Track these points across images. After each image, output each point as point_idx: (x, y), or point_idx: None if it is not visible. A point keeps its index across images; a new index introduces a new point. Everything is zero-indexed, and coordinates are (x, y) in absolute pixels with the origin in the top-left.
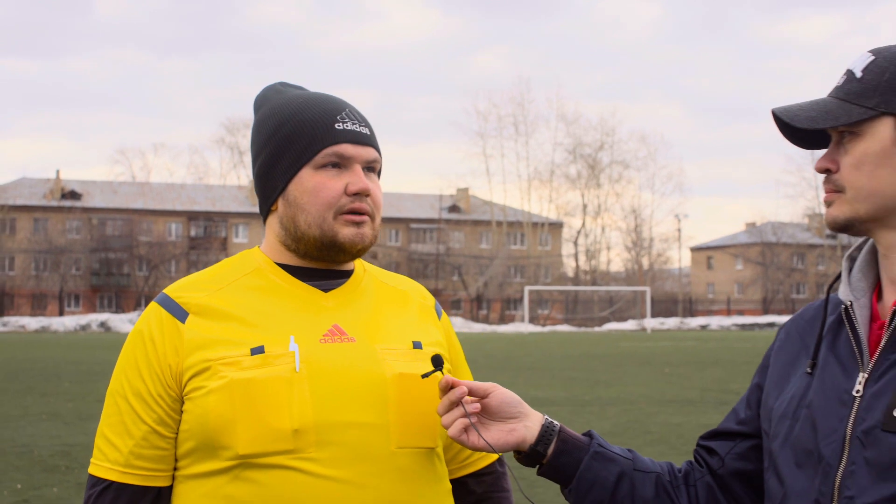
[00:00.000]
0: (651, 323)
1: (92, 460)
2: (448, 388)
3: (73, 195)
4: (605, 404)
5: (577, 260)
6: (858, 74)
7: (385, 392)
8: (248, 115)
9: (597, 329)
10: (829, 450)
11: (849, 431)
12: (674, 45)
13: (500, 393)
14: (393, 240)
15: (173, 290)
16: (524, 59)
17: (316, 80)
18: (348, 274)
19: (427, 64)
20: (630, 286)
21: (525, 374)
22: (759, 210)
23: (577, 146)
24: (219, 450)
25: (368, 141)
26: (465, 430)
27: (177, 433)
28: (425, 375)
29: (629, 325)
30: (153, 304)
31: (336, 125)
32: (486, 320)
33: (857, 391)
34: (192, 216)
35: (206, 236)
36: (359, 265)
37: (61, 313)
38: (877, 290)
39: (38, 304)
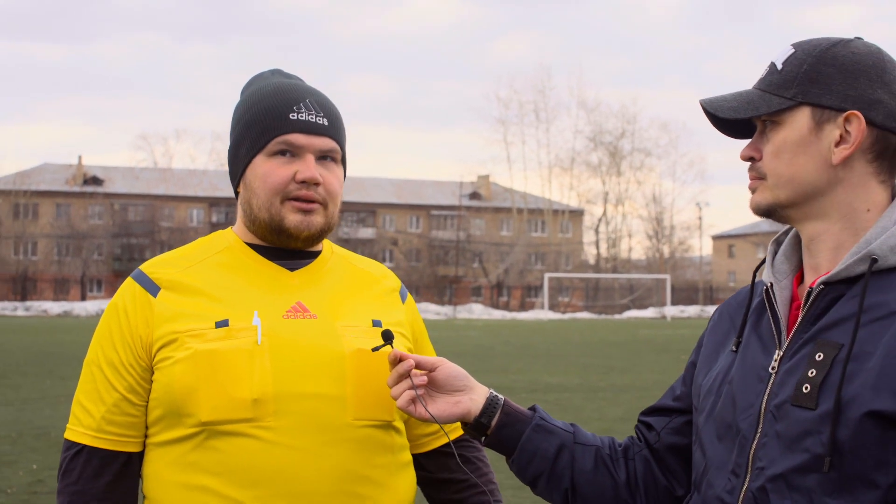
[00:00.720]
0: (671, 311)
1: (67, 426)
2: (397, 361)
3: (96, 181)
4: (619, 391)
5: (597, 247)
6: (779, 66)
7: (343, 366)
8: None
9: (617, 316)
10: (746, 423)
11: (763, 406)
12: (695, 32)
13: (447, 367)
14: (413, 226)
15: (148, 266)
16: (545, 45)
17: (338, 66)
18: (315, 255)
19: (448, 50)
20: (651, 274)
21: (541, 360)
22: None
23: (597, 134)
24: (183, 417)
25: (323, 131)
26: (413, 401)
27: (147, 401)
28: (376, 349)
29: (649, 312)
30: (128, 279)
31: (290, 115)
32: (506, 307)
33: (773, 368)
34: (213, 202)
35: (227, 222)
36: (327, 246)
37: (83, 298)
38: (799, 274)
39: (60, 289)
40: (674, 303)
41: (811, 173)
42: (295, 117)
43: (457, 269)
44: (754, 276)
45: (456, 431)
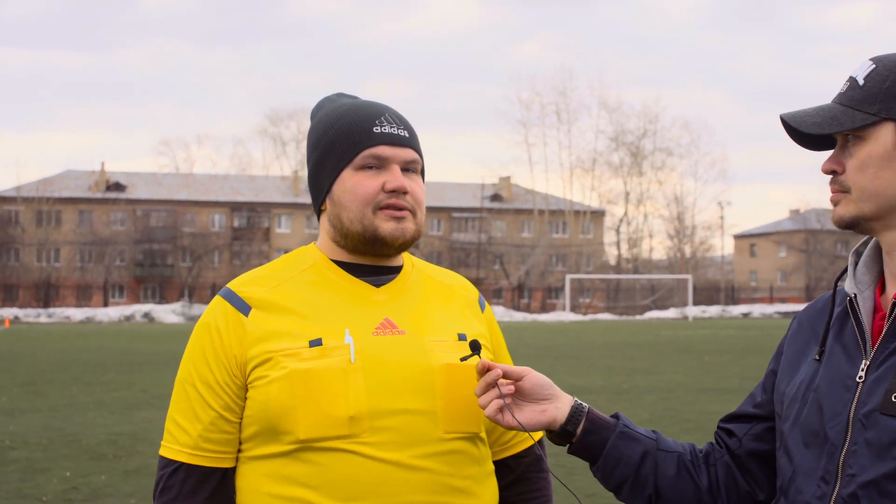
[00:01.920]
0: (693, 311)
1: (162, 443)
2: (485, 371)
3: (118, 187)
4: (643, 392)
5: (619, 248)
6: (861, 82)
7: (433, 381)
8: (291, 106)
9: (638, 317)
10: (835, 431)
11: (852, 414)
12: (715, 31)
13: (533, 376)
14: (435, 229)
15: (236, 285)
16: (565, 47)
17: (358, 70)
18: (398, 269)
19: (468, 52)
20: (672, 274)
21: (564, 362)
22: (802, 197)
23: (619, 134)
24: (280, 434)
25: (406, 143)
26: (500, 410)
27: (241, 418)
28: (464, 359)
29: (671, 313)
30: (218, 298)
31: (374, 129)
32: (527, 309)
33: (860, 377)
34: (235, 207)
35: (249, 227)
36: (407, 261)
37: (106, 304)
38: (880, 284)
39: (83, 296)
40: (695, 303)
41: (895, 187)
42: (379, 130)
43: (478, 271)
44: (835, 286)
45: (525, 443)
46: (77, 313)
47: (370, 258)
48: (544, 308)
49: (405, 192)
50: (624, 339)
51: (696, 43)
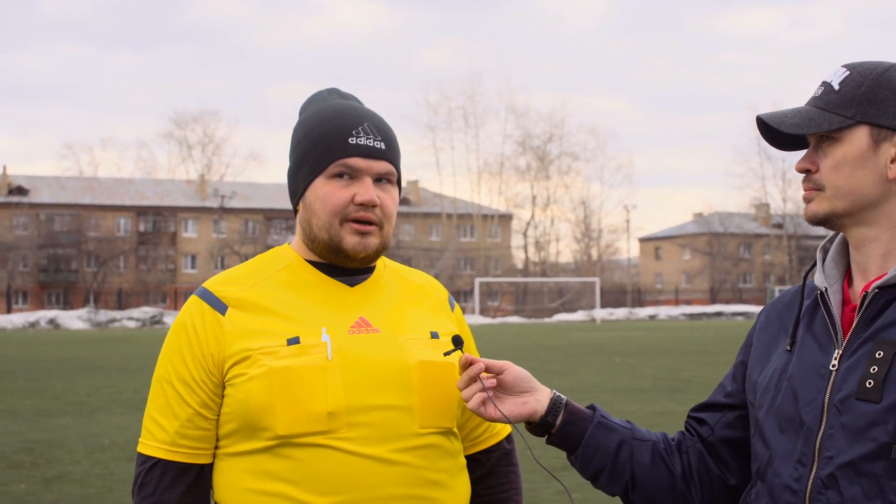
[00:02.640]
0: (601, 313)
1: (140, 440)
2: (467, 364)
3: (20, 191)
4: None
5: (526, 251)
6: (836, 87)
7: (409, 378)
8: (196, 109)
9: (547, 320)
10: (810, 416)
11: (826, 400)
12: (619, 39)
13: (514, 370)
14: None
15: (212, 284)
16: (472, 52)
17: (263, 73)
18: (371, 270)
19: (374, 57)
20: (579, 277)
21: None
22: (707, 200)
23: (526, 138)
24: (259, 430)
25: (380, 155)
26: (483, 402)
27: (218, 416)
28: (447, 353)
29: (579, 315)
30: (194, 298)
31: (350, 139)
32: None
33: (833, 365)
34: (140, 211)
35: (155, 231)
36: (380, 261)
37: (9, 311)
38: (847, 278)
39: None
40: (603, 305)
41: (868, 187)
42: (354, 142)
43: None
44: (804, 280)
45: (494, 438)
46: None
47: (339, 264)
48: None
49: (374, 206)
50: (535, 342)
51: (602, 49)
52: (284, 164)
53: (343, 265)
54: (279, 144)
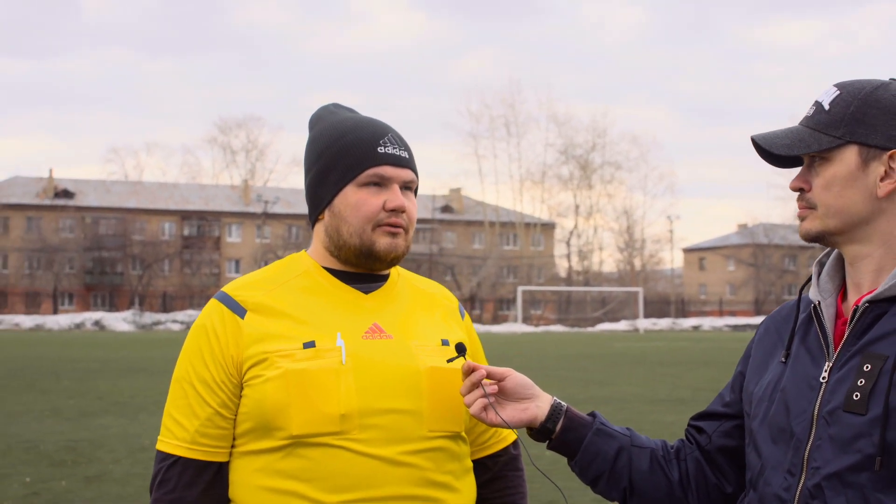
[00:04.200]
0: (643, 323)
1: (160, 438)
2: (470, 371)
3: (67, 194)
4: (599, 403)
5: (569, 260)
6: (826, 107)
7: (419, 383)
8: (240, 115)
9: (589, 329)
10: (800, 428)
11: (816, 412)
12: (659, 48)
13: (515, 376)
14: None
15: (232, 289)
16: (512, 61)
17: (306, 82)
18: (385, 278)
19: (415, 66)
20: (622, 287)
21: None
22: (750, 211)
23: (568, 147)
24: (274, 430)
25: (407, 164)
26: (485, 408)
27: (235, 415)
28: (450, 360)
29: (622, 325)
30: (214, 301)
31: (379, 148)
32: (479, 321)
33: (824, 378)
34: (185, 215)
35: (199, 235)
36: (393, 270)
37: (55, 312)
38: (842, 292)
39: (32, 303)
40: (646, 315)
41: (858, 205)
42: (383, 151)
43: None
44: (800, 293)
45: (501, 443)
46: (26, 320)
47: (360, 269)
48: (496, 320)
49: (403, 211)
50: (577, 351)
51: (642, 59)
52: None
53: (371, 268)
54: None
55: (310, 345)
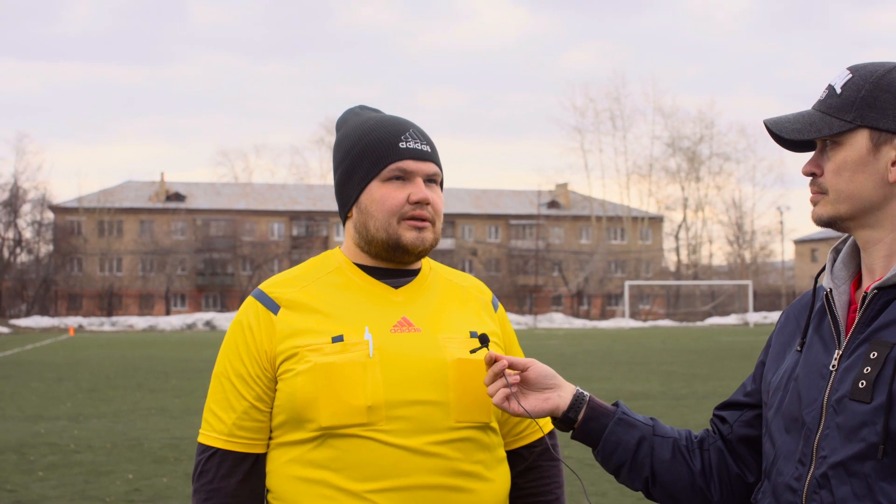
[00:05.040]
0: (754, 317)
1: (200, 431)
2: (492, 362)
3: (178, 197)
4: (701, 398)
5: (678, 254)
6: (838, 91)
7: (446, 375)
8: None
9: (698, 324)
10: (810, 417)
11: (825, 401)
12: (765, 36)
13: (538, 367)
14: (493, 236)
15: (267, 286)
16: (616, 54)
17: (411, 80)
18: (416, 272)
19: (519, 61)
20: (732, 280)
21: (623, 368)
22: None
23: (675, 139)
24: (305, 422)
25: (429, 157)
26: (507, 398)
27: (271, 408)
28: (473, 351)
29: (731, 319)
30: (250, 299)
31: (400, 144)
32: (586, 316)
33: (833, 366)
34: (293, 216)
35: (308, 235)
36: (425, 264)
37: (168, 313)
38: (857, 278)
39: (145, 304)
40: (756, 309)
41: (869, 190)
42: (405, 146)
43: (536, 278)
44: (816, 282)
45: (537, 434)
46: (140, 322)
47: (391, 263)
48: (604, 315)
49: (427, 203)
50: (683, 346)
51: (748, 48)
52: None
53: (400, 261)
54: None
55: (338, 339)
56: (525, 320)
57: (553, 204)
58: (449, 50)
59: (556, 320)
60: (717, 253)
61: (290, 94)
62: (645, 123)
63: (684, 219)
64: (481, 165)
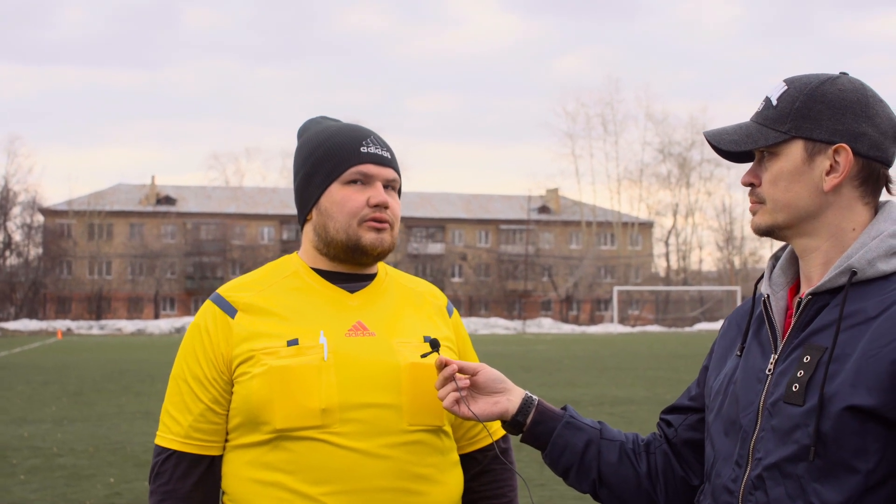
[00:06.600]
0: None
1: (157, 433)
2: (443, 366)
3: (168, 200)
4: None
5: (668, 260)
6: (774, 102)
7: (399, 378)
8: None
9: (687, 329)
10: (747, 420)
11: (761, 404)
12: (757, 43)
13: (487, 371)
14: (483, 241)
15: (225, 290)
16: (609, 60)
17: (403, 85)
18: (372, 277)
19: (510, 67)
20: (721, 286)
21: (609, 373)
22: None
23: (666, 145)
24: (260, 425)
25: (388, 163)
26: (457, 402)
27: (227, 411)
28: (424, 356)
29: (720, 324)
30: (208, 302)
31: (361, 148)
32: (575, 321)
33: (769, 370)
34: (284, 220)
35: (298, 239)
36: (381, 269)
37: (157, 316)
38: (795, 284)
39: (134, 308)
40: None
41: (805, 199)
42: (366, 150)
43: (526, 283)
44: (755, 289)
45: (490, 438)
46: (128, 325)
47: (348, 266)
48: (593, 320)
49: (386, 207)
50: (671, 351)
51: (740, 54)
52: (426, 173)
53: (359, 263)
54: (421, 155)
55: (293, 342)
56: (514, 325)
57: (543, 209)
58: (441, 56)
59: (545, 325)
60: (707, 258)
61: (282, 98)
62: (636, 129)
63: (674, 224)
64: (472, 170)
